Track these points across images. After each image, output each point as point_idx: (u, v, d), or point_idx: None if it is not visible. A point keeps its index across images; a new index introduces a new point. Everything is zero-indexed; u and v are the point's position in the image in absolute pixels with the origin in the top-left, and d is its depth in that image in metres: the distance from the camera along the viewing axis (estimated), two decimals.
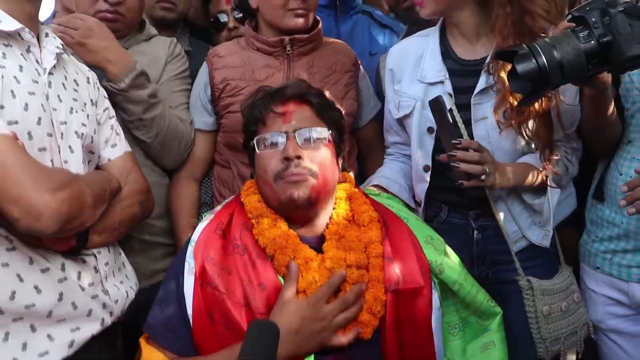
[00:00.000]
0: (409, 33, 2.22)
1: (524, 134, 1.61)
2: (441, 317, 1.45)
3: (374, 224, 1.42)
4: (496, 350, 1.48)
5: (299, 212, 1.38)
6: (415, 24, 2.21)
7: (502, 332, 1.51)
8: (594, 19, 1.30)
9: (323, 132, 1.42)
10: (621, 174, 1.68)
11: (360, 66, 2.07)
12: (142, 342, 1.35)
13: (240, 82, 1.90)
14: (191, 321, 1.30)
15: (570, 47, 1.31)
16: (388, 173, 1.88)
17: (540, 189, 1.68)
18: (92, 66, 1.63)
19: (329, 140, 1.43)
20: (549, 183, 1.66)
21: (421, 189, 1.78)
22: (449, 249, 1.50)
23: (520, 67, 1.33)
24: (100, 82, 1.61)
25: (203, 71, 1.98)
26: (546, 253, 1.74)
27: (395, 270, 1.36)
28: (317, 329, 1.26)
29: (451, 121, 1.55)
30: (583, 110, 1.63)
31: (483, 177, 1.53)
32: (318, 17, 2.00)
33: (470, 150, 1.53)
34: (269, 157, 1.38)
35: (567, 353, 1.70)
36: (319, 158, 1.38)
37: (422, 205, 1.79)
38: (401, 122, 1.83)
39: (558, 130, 1.64)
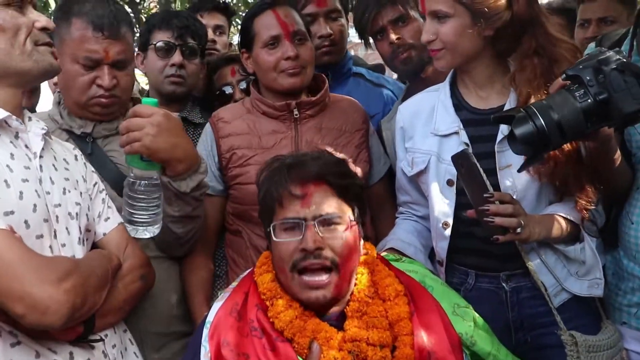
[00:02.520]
0: (410, 87, 2.22)
1: (556, 183, 1.56)
2: None
3: (401, 298, 1.37)
4: None
5: (319, 308, 1.34)
6: (412, 76, 2.21)
7: None
8: (588, 77, 1.33)
9: (345, 217, 1.35)
10: (633, 223, 1.63)
11: (370, 122, 2.04)
12: None
13: (247, 150, 1.86)
14: None
15: (567, 107, 1.33)
16: (402, 235, 1.80)
17: (569, 239, 1.61)
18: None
19: (352, 223, 1.36)
20: (584, 230, 1.59)
21: (442, 248, 1.70)
22: (477, 317, 1.43)
23: (519, 131, 1.34)
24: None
25: (208, 137, 1.92)
26: (590, 308, 1.65)
27: (426, 347, 1.30)
28: None
29: (481, 173, 1.48)
30: (588, 160, 1.61)
31: (519, 230, 1.47)
32: (324, 76, 1.97)
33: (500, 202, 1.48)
34: (286, 245, 1.33)
35: None
36: (340, 246, 1.32)
37: (444, 265, 1.72)
38: (415, 180, 1.79)
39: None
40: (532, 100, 1.52)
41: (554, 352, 1.56)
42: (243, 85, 2.37)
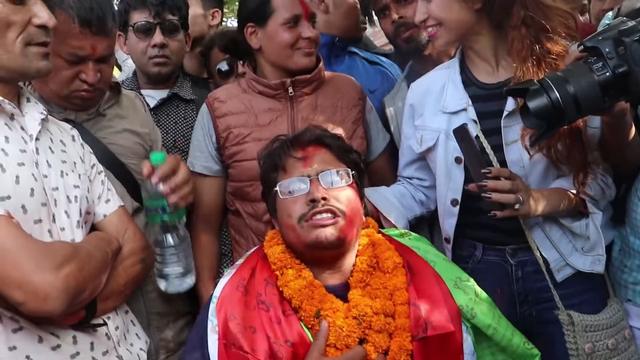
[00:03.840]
0: (413, 65, 2.22)
1: (554, 158, 1.56)
2: None
3: (399, 269, 1.39)
4: None
5: (325, 254, 1.36)
6: (415, 54, 2.21)
7: None
8: (607, 49, 1.27)
9: (346, 175, 1.42)
10: None
11: (367, 99, 2.05)
12: None
13: (243, 129, 1.86)
14: None
15: (584, 80, 1.28)
16: (389, 195, 1.82)
17: (577, 212, 1.61)
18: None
19: (353, 182, 1.42)
20: (589, 206, 1.59)
21: (450, 225, 1.71)
22: (479, 291, 1.45)
23: (533, 105, 1.29)
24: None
25: (205, 117, 1.93)
26: (596, 284, 1.65)
27: (423, 316, 1.33)
28: None
29: (479, 149, 1.50)
30: (602, 134, 1.60)
31: (517, 206, 1.47)
32: (319, 54, 1.97)
33: (501, 178, 1.47)
34: (292, 203, 1.37)
35: None
36: (344, 198, 1.37)
37: (451, 242, 1.73)
38: (422, 158, 1.79)
39: (589, 152, 1.59)
40: (525, 75, 1.50)
41: (557, 327, 1.59)
42: (224, 66, 2.34)
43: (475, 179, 1.49)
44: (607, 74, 1.26)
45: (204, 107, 1.96)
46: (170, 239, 1.46)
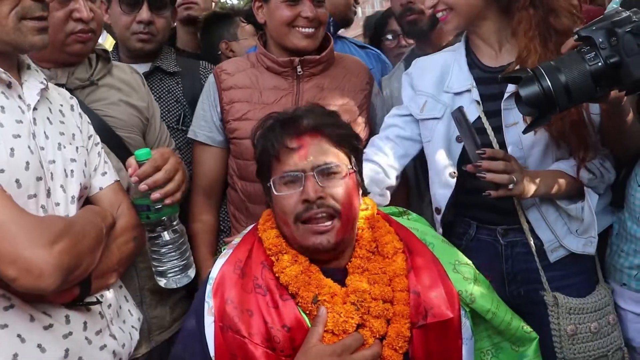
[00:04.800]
0: (415, 48, 2.31)
1: (555, 134, 1.60)
2: (473, 347, 1.42)
3: (399, 255, 1.39)
4: None
5: (321, 256, 1.35)
6: (420, 37, 2.31)
7: (540, 358, 1.48)
8: (600, 40, 1.29)
9: (343, 165, 1.36)
10: (639, 185, 1.63)
11: (375, 83, 2.06)
12: None
13: (246, 104, 1.85)
14: None
15: (576, 69, 1.29)
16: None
17: (575, 195, 1.64)
18: None
19: (350, 171, 1.38)
20: (586, 187, 1.62)
21: (443, 195, 1.74)
22: (478, 274, 1.47)
23: (524, 92, 1.32)
24: None
25: (211, 87, 1.92)
26: (586, 268, 1.70)
27: (422, 303, 1.33)
28: None
29: (475, 131, 1.53)
30: (601, 121, 1.61)
31: (510, 186, 1.50)
32: (329, 34, 1.97)
33: (496, 159, 1.51)
34: (287, 198, 1.33)
35: None
36: (341, 194, 1.33)
37: (442, 213, 1.76)
38: (415, 123, 1.80)
39: (589, 134, 1.63)
40: (530, 54, 1.54)
41: (545, 308, 1.64)
42: None
43: (472, 159, 1.53)
44: (599, 64, 1.28)
45: (211, 78, 1.95)
46: (165, 236, 1.43)
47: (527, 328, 1.47)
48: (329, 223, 1.31)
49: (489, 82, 1.68)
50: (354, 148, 1.43)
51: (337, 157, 1.36)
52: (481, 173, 1.50)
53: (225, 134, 1.91)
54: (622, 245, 1.72)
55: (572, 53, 1.33)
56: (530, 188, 1.55)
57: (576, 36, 1.34)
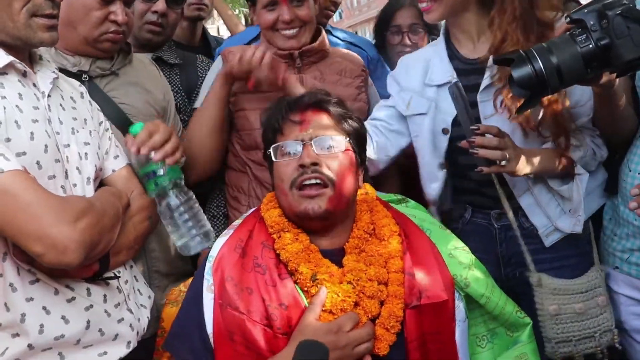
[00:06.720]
0: None
1: (531, 126, 1.61)
2: (467, 329, 1.44)
3: (394, 237, 1.41)
4: None
5: (313, 224, 1.38)
6: None
7: (534, 343, 1.49)
8: (592, 22, 1.31)
9: (341, 140, 1.41)
10: (630, 170, 1.65)
11: (368, 75, 2.12)
12: None
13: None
14: (212, 340, 1.30)
15: (567, 51, 1.31)
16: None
17: (567, 175, 1.65)
18: None
19: (348, 149, 1.42)
20: (575, 169, 1.64)
21: (434, 188, 1.79)
22: (474, 259, 1.49)
23: (517, 74, 1.34)
24: None
25: (221, 65, 1.97)
26: (581, 252, 1.71)
27: (417, 285, 1.35)
28: (337, 356, 1.24)
29: (470, 107, 1.55)
30: (594, 105, 1.64)
31: (503, 162, 1.52)
32: (320, 26, 2.04)
33: (490, 136, 1.53)
34: (285, 166, 1.39)
35: (580, 356, 1.62)
36: (336, 166, 1.37)
37: (437, 204, 1.80)
38: (403, 119, 1.84)
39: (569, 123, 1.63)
40: (509, 44, 1.57)
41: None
42: None
43: (466, 135, 1.55)
44: (590, 46, 1.30)
45: (218, 59, 2.03)
46: (174, 199, 1.45)
47: (521, 313, 1.48)
48: (320, 190, 1.35)
49: (468, 74, 1.71)
50: (356, 132, 1.48)
51: (336, 133, 1.42)
52: (474, 149, 1.52)
53: (229, 109, 1.96)
54: (616, 229, 1.73)
55: (564, 36, 1.35)
56: (524, 166, 1.55)
57: (568, 19, 1.36)
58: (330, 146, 1.39)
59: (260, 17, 1.92)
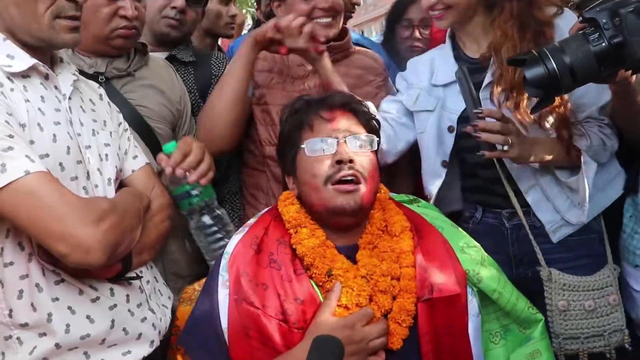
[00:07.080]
0: None
1: (527, 119, 1.62)
2: (480, 324, 1.44)
3: (406, 233, 1.43)
4: (543, 358, 1.48)
5: (344, 220, 1.39)
6: None
7: (547, 340, 1.50)
8: (604, 20, 1.30)
9: (372, 139, 1.45)
10: None
11: (389, 77, 2.16)
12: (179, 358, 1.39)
13: (276, 75, 1.95)
14: (226, 336, 1.31)
15: (580, 50, 1.31)
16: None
17: (575, 166, 1.63)
18: None
19: (375, 149, 1.46)
20: (582, 159, 1.62)
21: (435, 186, 1.80)
22: (486, 256, 1.50)
23: (530, 74, 1.35)
24: None
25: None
26: (594, 252, 1.70)
27: (429, 279, 1.36)
28: (352, 350, 1.25)
29: (475, 92, 1.56)
30: (612, 103, 1.63)
31: (505, 147, 1.51)
32: (346, 27, 2.09)
33: (493, 120, 1.54)
34: (319, 161, 1.39)
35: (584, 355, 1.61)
36: (367, 164, 1.40)
37: (436, 203, 1.80)
38: (408, 114, 1.87)
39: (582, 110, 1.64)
40: (505, 41, 1.60)
41: None
42: None
43: (471, 120, 1.57)
44: (603, 44, 1.30)
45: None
46: (207, 219, 1.47)
47: (533, 309, 1.48)
48: (355, 186, 1.37)
49: (472, 73, 1.70)
50: (377, 132, 1.52)
51: (365, 132, 1.46)
52: (477, 133, 1.53)
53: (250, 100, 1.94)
54: (636, 227, 1.71)
55: (577, 35, 1.35)
56: (528, 153, 1.55)
57: (581, 18, 1.36)
58: (362, 145, 1.43)
59: (296, 6, 1.92)
